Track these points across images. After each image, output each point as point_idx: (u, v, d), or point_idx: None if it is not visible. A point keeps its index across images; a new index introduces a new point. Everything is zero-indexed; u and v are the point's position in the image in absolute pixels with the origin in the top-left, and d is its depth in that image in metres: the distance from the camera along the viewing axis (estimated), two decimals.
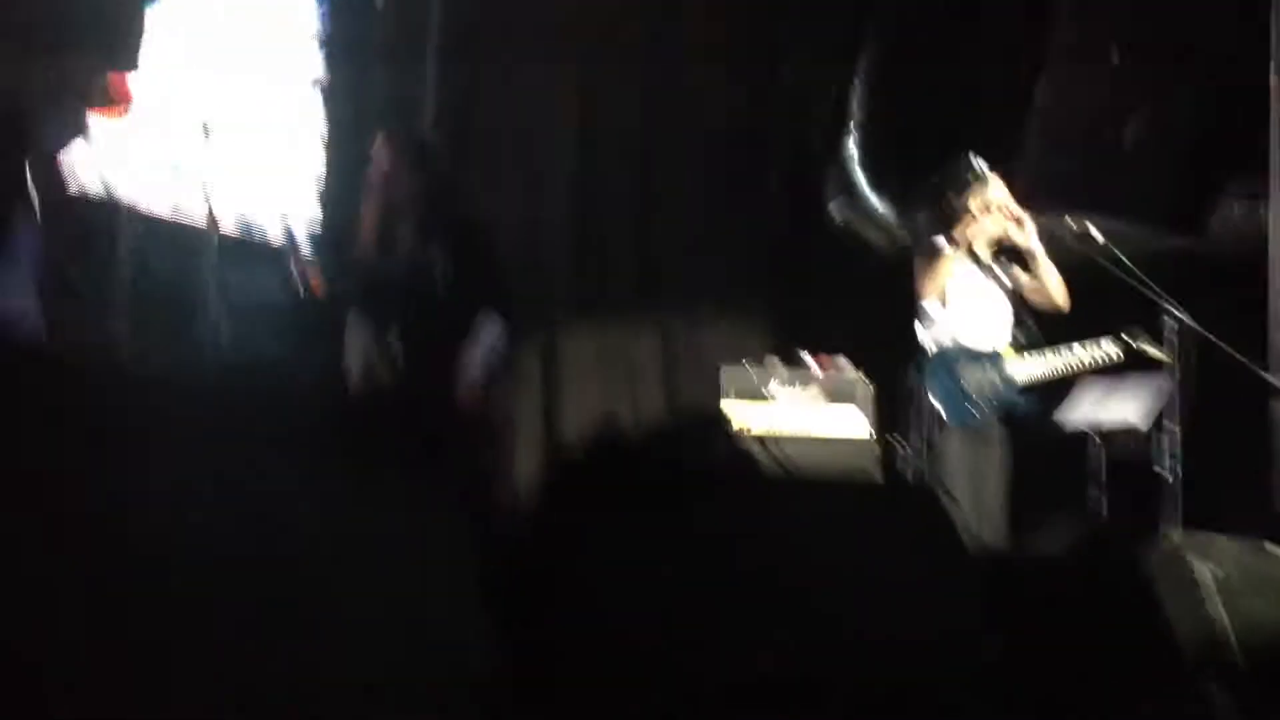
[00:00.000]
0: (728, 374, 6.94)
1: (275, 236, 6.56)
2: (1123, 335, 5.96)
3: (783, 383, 6.93)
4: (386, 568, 2.71)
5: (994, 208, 5.99)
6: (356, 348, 5.29)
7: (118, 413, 2.64)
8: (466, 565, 2.94)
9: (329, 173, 7.44)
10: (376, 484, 2.87)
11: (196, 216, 5.70)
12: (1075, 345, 6.04)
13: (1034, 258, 5.98)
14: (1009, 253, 6.10)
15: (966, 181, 6.03)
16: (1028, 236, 5.96)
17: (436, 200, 5.29)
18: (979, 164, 6.06)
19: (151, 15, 5.87)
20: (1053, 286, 5.99)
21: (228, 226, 5.87)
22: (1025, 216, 5.96)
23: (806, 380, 6.96)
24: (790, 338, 7.72)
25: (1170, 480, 5.67)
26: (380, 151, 5.32)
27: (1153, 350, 5.90)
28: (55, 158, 5.33)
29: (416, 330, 5.19)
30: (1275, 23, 6.67)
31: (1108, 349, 6.02)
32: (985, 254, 6.09)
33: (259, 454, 2.75)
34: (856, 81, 8.41)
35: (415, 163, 5.31)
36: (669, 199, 8.33)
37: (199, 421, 2.78)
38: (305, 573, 2.56)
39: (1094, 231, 6.20)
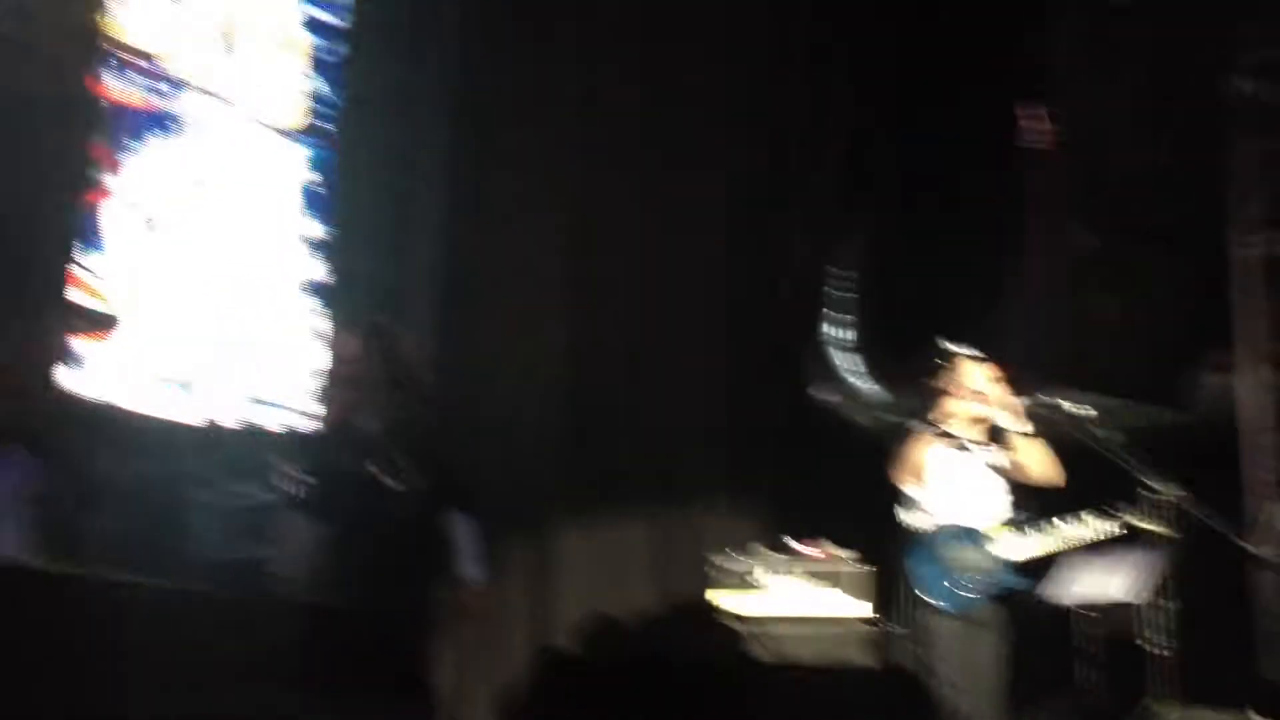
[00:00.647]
0: (715, 563, 7.01)
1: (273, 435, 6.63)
2: (1119, 511, 5.98)
3: (771, 570, 6.99)
4: None
5: (969, 390, 6.07)
6: (298, 548, 5.20)
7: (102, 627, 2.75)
8: None
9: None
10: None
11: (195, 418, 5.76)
12: (1067, 522, 6.04)
13: (1011, 438, 6.02)
14: (994, 433, 6.16)
15: (943, 365, 6.14)
16: (1003, 417, 6.02)
17: (400, 393, 5.18)
18: (955, 348, 6.18)
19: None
20: (1035, 464, 6.01)
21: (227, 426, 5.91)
22: (992, 395, 6.02)
23: (794, 566, 7.02)
24: (778, 524, 7.78)
25: (1159, 654, 5.66)
26: (343, 341, 5.31)
27: (1155, 526, 5.91)
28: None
29: (373, 532, 5.01)
30: (1237, 196, 6.89)
31: (1103, 524, 6.03)
32: (968, 435, 6.16)
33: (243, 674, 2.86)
34: (843, 264, 8.63)
35: (379, 353, 5.21)
36: (658, 387, 8.44)
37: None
38: None
39: (1081, 408, 6.29)
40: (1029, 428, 6.01)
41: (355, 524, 5.00)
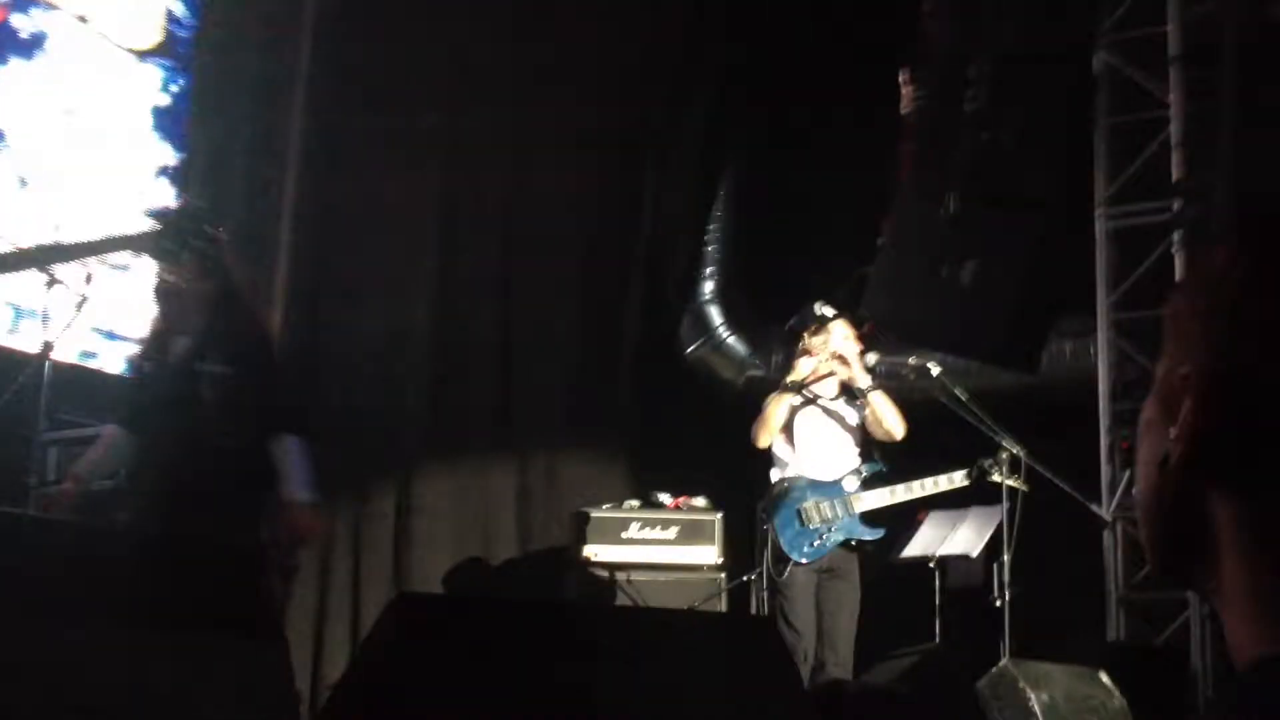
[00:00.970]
0: (583, 515, 7.02)
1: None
2: (976, 466, 6.12)
3: (638, 523, 7.02)
4: None
5: (833, 351, 6.19)
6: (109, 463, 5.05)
7: None
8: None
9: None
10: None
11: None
12: (915, 476, 6.21)
13: (865, 394, 6.17)
14: (845, 388, 6.27)
15: (812, 326, 6.26)
16: (855, 375, 6.16)
17: (221, 313, 4.97)
18: (824, 310, 6.32)
19: None
20: (887, 420, 6.15)
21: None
22: (850, 356, 6.16)
23: (661, 520, 7.06)
24: (642, 475, 7.81)
25: (1003, 608, 5.80)
26: (166, 254, 4.99)
27: (1007, 479, 6.06)
28: None
29: (182, 449, 4.85)
30: (1099, 169, 7.04)
31: (949, 478, 6.18)
32: (830, 393, 6.27)
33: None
34: (713, 224, 8.65)
35: (200, 274, 4.96)
36: (529, 337, 8.39)
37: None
38: None
39: (934, 368, 6.47)
40: (870, 381, 6.17)
41: (173, 443, 4.85)
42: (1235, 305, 1.02)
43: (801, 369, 6.16)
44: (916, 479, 6.19)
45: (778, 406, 6.10)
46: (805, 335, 6.33)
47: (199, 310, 4.96)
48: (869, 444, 6.26)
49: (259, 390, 4.93)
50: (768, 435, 6.12)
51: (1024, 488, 5.98)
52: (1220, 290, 1.04)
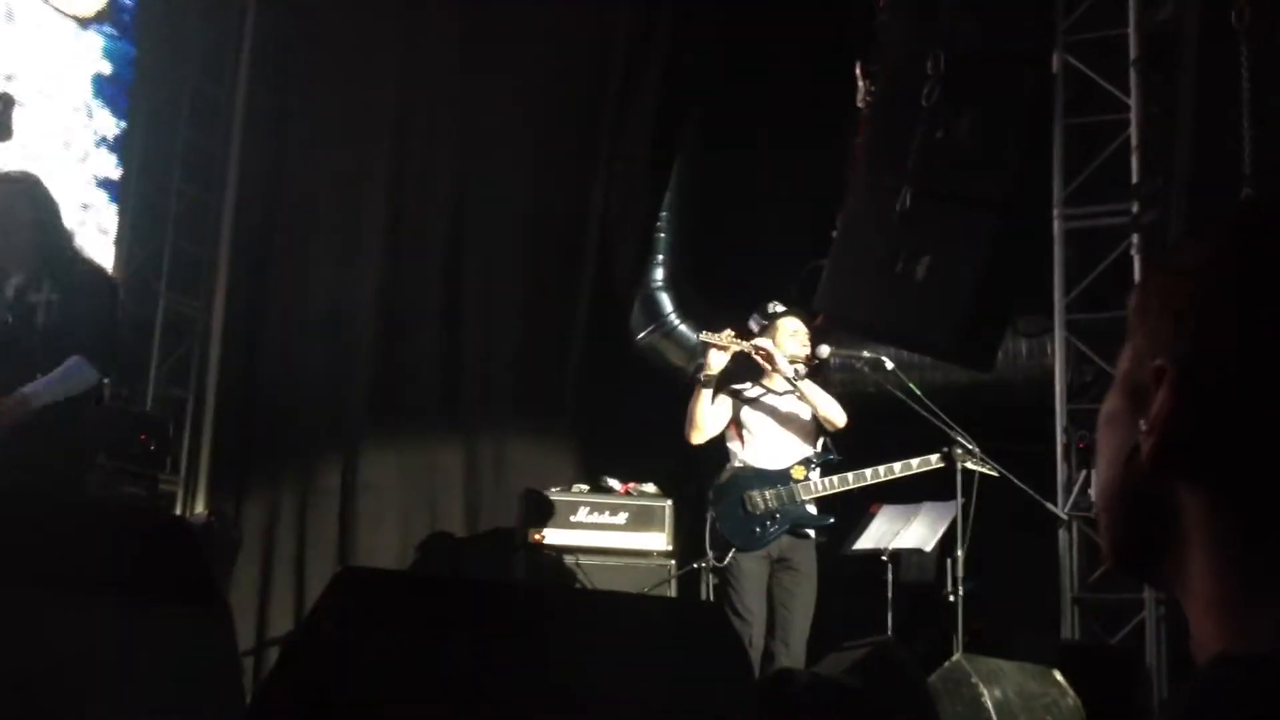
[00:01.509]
0: (532, 497, 6.96)
1: None
2: (945, 452, 6.11)
3: (588, 507, 6.97)
4: None
5: (782, 345, 6.24)
6: None
7: None
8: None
9: None
10: None
11: None
12: (863, 466, 6.19)
13: (794, 384, 6.18)
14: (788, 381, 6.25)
15: (763, 321, 6.36)
16: (779, 367, 6.17)
17: (50, 253, 4.83)
18: (774, 307, 6.38)
19: None
20: (821, 407, 6.17)
21: None
22: (770, 348, 6.17)
23: (610, 505, 7.02)
24: (591, 460, 7.75)
25: (956, 603, 5.77)
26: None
27: (976, 466, 6.05)
28: None
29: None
30: (1056, 169, 7.03)
31: (894, 467, 6.18)
32: (780, 387, 6.28)
33: None
34: (665, 209, 8.59)
35: (28, 213, 4.82)
36: (478, 318, 8.27)
37: None
38: None
39: (887, 362, 6.44)
40: (794, 371, 6.19)
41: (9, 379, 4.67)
42: (1211, 298, 1.01)
43: (712, 364, 6.17)
44: (862, 469, 6.17)
45: (699, 404, 6.14)
46: (765, 337, 6.31)
47: (27, 244, 4.82)
48: (822, 435, 6.25)
49: (86, 319, 4.79)
50: (697, 433, 6.15)
51: (995, 473, 5.97)
52: (1195, 283, 1.02)
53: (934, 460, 6.06)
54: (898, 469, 6.13)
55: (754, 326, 6.44)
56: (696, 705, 3.42)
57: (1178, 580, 1.02)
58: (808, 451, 6.19)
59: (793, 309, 6.39)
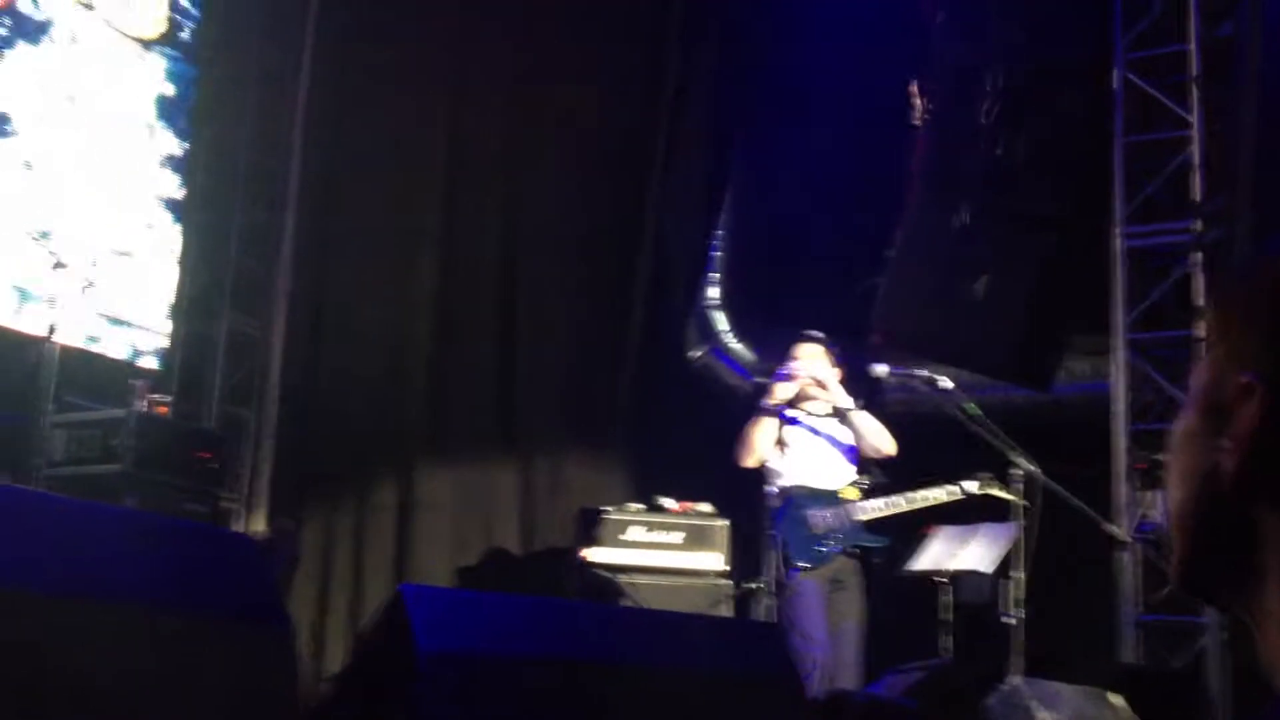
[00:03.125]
0: (587, 516, 6.95)
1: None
2: (969, 480, 6.07)
3: (643, 526, 6.96)
4: None
5: (809, 372, 6.23)
6: None
7: None
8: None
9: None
10: None
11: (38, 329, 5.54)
12: (917, 488, 6.16)
13: (847, 415, 6.19)
14: (835, 409, 6.27)
15: (790, 348, 6.32)
16: (834, 397, 6.18)
17: None
18: (804, 333, 6.35)
19: None
20: (872, 438, 6.18)
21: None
22: (828, 379, 6.16)
23: (666, 524, 6.99)
24: (647, 479, 7.74)
25: (1014, 625, 5.71)
26: None
27: (999, 492, 6.02)
28: None
29: None
30: (1118, 187, 6.97)
31: (950, 489, 6.13)
32: (821, 410, 6.29)
33: None
34: (720, 227, 8.59)
35: None
36: (532, 337, 8.30)
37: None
38: None
39: (945, 382, 6.39)
40: (851, 402, 6.20)
41: None
42: None
43: (778, 393, 6.19)
44: (915, 491, 6.14)
45: (759, 430, 6.14)
46: (786, 358, 6.34)
47: None
48: (863, 460, 6.25)
49: None
50: (751, 457, 6.16)
51: (1024, 503, 5.91)
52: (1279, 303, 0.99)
53: (963, 489, 6.02)
54: (928, 498, 6.09)
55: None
56: None
57: (1253, 603, 1.00)
58: (846, 472, 6.19)
59: (811, 337, 6.36)
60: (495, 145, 8.45)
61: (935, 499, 6.14)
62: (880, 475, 6.16)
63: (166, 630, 2.96)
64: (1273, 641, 0.97)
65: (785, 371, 6.23)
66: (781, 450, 6.18)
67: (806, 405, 6.28)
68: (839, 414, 6.23)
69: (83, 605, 2.88)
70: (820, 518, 6.00)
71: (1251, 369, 0.99)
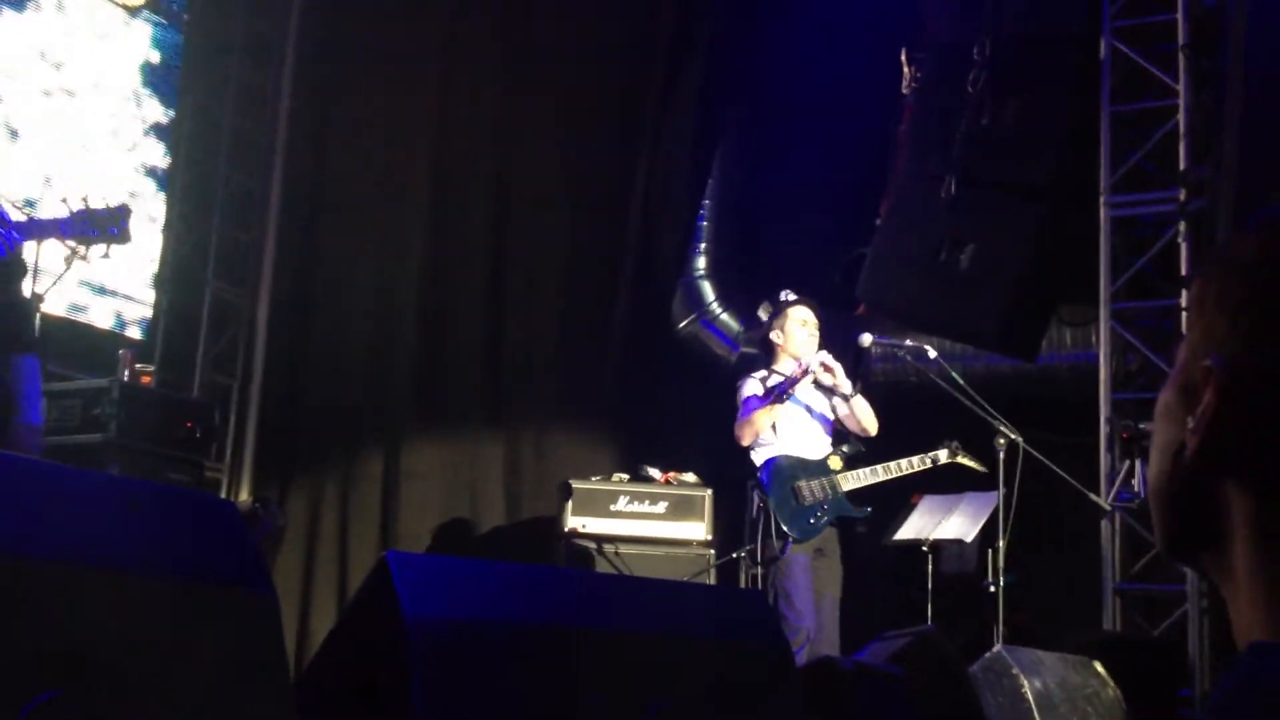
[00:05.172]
0: (572, 486, 6.96)
1: None
2: (940, 449, 6.09)
3: (627, 496, 6.97)
4: None
5: (796, 338, 6.18)
6: None
7: None
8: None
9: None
10: None
11: None
12: (900, 457, 6.17)
13: (848, 399, 6.14)
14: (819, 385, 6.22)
15: (776, 314, 6.26)
16: (839, 382, 6.13)
17: None
18: (785, 295, 6.28)
19: None
20: (864, 419, 6.13)
21: None
22: (830, 361, 6.09)
23: (649, 494, 7.00)
24: (633, 449, 7.75)
25: (997, 594, 5.74)
26: None
27: (968, 460, 6.04)
28: None
29: None
30: (1104, 156, 6.97)
31: (920, 459, 6.16)
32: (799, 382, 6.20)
33: None
34: (707, 198, 8.57)
35: None
36: (520, 307, 8.31)
37: None
38: None
39: (930, 351, 6.41)
40: (852, 386, 6.15)
41: None
42: (1264, 300, 1.00)
43: (797, 390, 6.09)
44: (898, 460, 6.14)
45: (766, 417, 6.05)
46: (774, 326, 6.26)
47: None
48: (838, 431, 6.23)
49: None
50: (752, 439, 6.10)
51: (983, 469, 5.93)
52: (1248, 283, 1.01)
53: (938, 460, 6.03)
54: (905, 466, 6.09)
55: (763, 315, 6.37)
56: (739, 689, 3.43)
57: (1222, 571, 1.02)
58: (825, 442, 6.16)
59: (802, 299, 6.30)
60: (485, 115, 8.41)
61: (909, 468, 6.16)
62: (857, 444, 6.16)
63: (159, 595, 2.96)
64: (1240, 610, 1.00)
65: (797, 370, 6.08)
66: (763, 435, 6.13)
67: (786, 373, 6.19)
68: (822, 388, 6.19)
69: (75, 570, 2.88)
70: (809, 489, 5.99)
71: (1217, 351, 1.01)
